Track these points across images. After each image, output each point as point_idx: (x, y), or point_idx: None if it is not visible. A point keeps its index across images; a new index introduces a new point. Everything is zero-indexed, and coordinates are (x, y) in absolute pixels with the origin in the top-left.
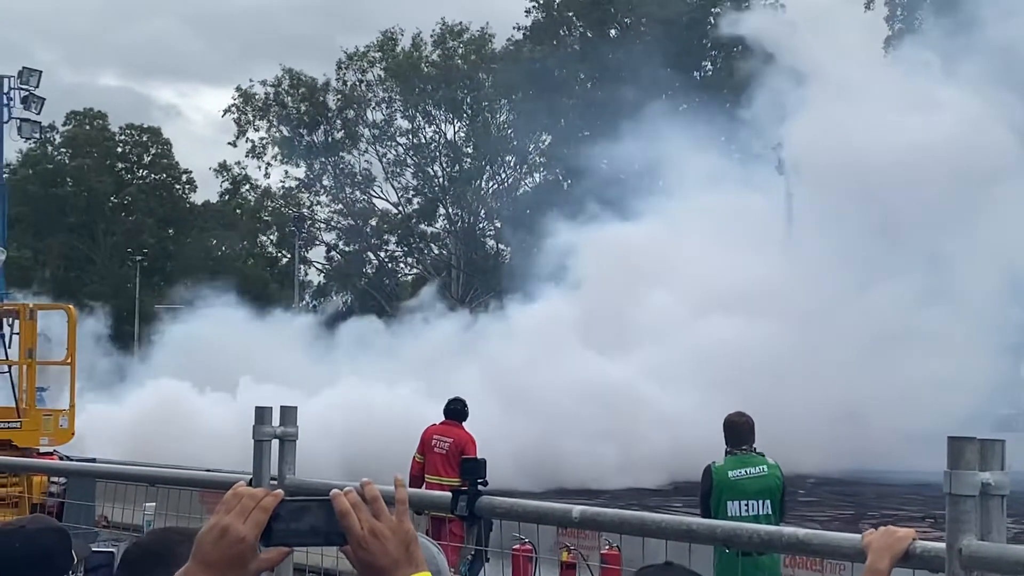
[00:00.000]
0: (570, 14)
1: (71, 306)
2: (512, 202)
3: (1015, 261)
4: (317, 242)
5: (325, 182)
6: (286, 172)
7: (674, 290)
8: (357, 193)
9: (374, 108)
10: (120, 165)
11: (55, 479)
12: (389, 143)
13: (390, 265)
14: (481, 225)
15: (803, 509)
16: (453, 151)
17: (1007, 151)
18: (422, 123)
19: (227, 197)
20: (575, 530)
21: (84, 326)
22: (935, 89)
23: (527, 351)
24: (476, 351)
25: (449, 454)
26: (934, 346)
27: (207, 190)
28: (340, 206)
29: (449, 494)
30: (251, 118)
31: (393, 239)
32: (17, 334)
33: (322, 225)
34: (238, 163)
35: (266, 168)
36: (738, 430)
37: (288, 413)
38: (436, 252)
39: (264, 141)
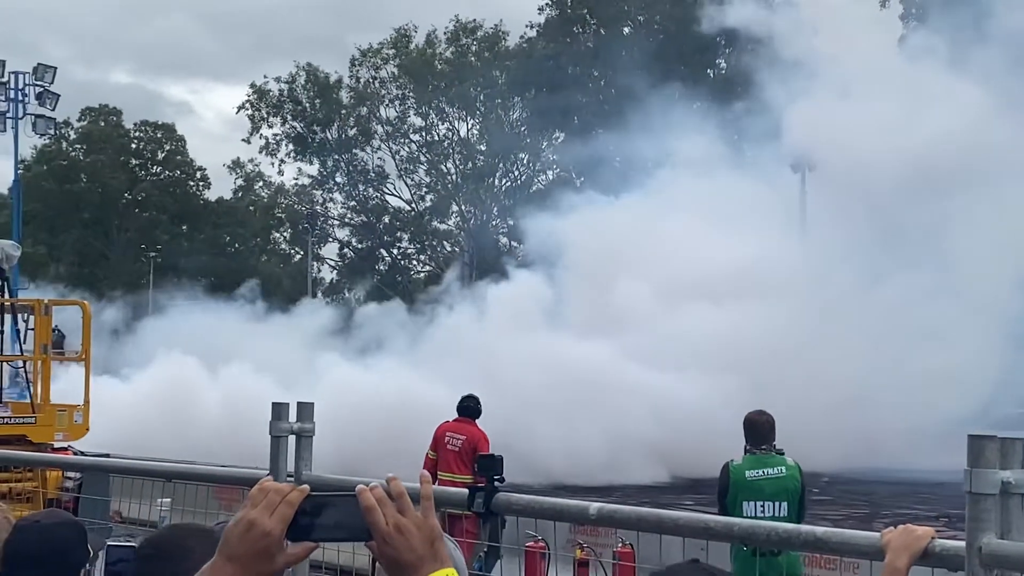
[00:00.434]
0: (583, 11)
1: (86, 302)
2: (526, 199)
3: None
4: (330, 239)
5: (338, 179)
6: (299, 169)
7: (652, 278)
8: (370, 190)
9: (387, 105)
10: (134, 161)
11: (70, 474)
12: (402, 140)
13: (403, 262)
14: (494, 222)
15: (816, 507)
16: (466, 148)
17: (1018, 144)
18: (435, 120)
19: (240, 194)
20: (589, 527)
21: (100, 318)
22: (944, 83)
23: (496, 330)
24: (458, 335)
25: (462, 451)
26: (941, 341)
27: (220, 187)
28: (353, 203)
29: (464, 490)
30: (265, 115)
31: (406, 236)
32: (32, 330)
33: (335, 222)
34: (251, 160)
35: (279, 165)
36: (758, 429)
37: (305, 409)
38: (449, 249)
39: (277, 138)
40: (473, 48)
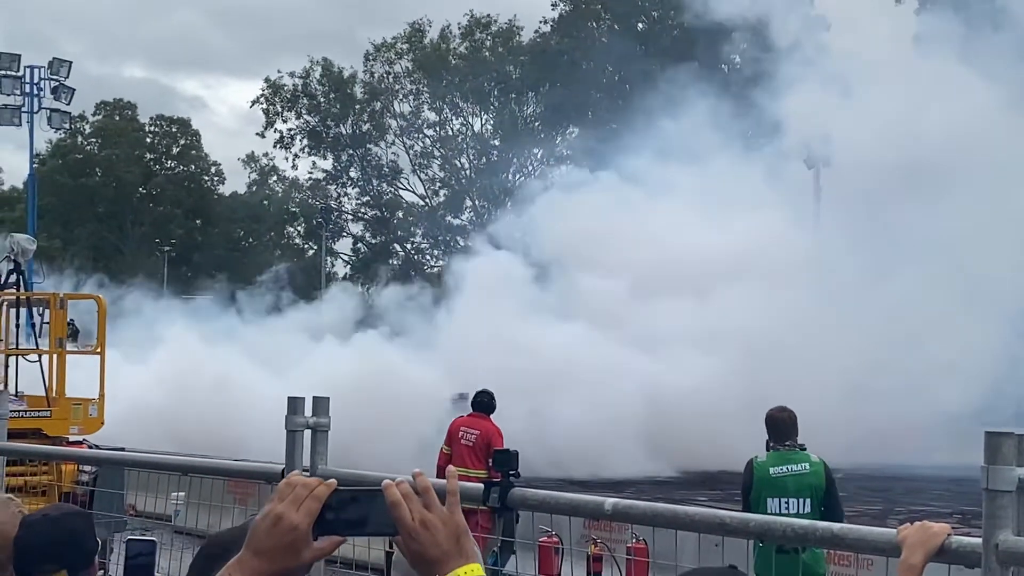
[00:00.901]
0: (598, 6)
1: (101, 296)
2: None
3: None
4: (344, 234)
5: (352, 174)
6: (313, 163)
7: (654, 265)
8: (384, 185)
9: (401, 100)
10: (149, 156)
11: (84, 467)
12: (416, 135)
13: (416, 257)
14: (507, 218)
15: None
16: (480, 143)
17: None
18: (449, 115)
19: (254, 188)
20: (604, 522)
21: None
22: (953, 76)
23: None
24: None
25: (476, 446)
26: (946, 334)
27: (234, 181)
28: (367, 198)
29: (480, 485)
30: (279, 109)
31: (420, 231)
32: (47, 323)
33: (349, 217)
34: (265, 154)
35: (293, 160)
36: (780, 425)
37: (320, 403)
38: (462, 244)
39: (292, 132)
40: (487, 43)
